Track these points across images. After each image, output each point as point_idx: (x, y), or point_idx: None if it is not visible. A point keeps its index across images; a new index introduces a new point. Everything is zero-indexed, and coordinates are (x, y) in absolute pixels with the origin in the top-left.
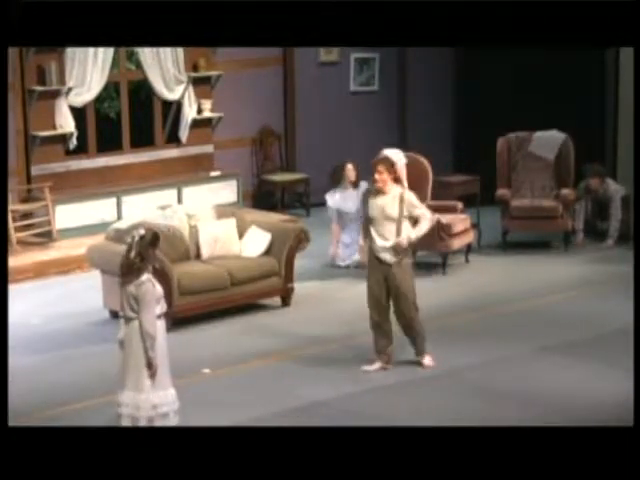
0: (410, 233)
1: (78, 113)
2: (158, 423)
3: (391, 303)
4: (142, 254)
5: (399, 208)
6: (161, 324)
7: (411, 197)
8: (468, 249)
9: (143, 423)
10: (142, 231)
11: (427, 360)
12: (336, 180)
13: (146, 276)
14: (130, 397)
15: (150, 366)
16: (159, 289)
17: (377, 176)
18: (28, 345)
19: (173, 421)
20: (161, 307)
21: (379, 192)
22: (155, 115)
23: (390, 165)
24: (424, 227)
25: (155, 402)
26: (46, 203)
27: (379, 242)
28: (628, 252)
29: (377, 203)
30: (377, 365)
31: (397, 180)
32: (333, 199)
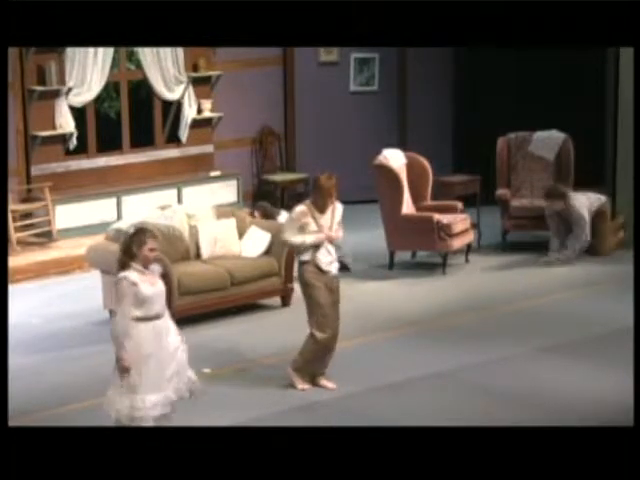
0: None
1: (78, 113)
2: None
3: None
4: (125, 250)
5: (333, 219)
6: (148, 327)
7: (340, 209)
8: (468, 249)
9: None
10: (132, 229)
11: (330, 384)
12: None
13: (124, 274)
14: (128, 399)
15: (119, 367)
16: (144, 292)
17: (334, 192)
18: (28, 345)
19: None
20: (145, 310)
21: (326, 208)
22: (155, 115)
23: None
24: (340, 233)
25: (131, 405)
26: (46, 203)
27: (326, 256)
28: (628, 252)
29: (324, 219)
30: (307, 383)
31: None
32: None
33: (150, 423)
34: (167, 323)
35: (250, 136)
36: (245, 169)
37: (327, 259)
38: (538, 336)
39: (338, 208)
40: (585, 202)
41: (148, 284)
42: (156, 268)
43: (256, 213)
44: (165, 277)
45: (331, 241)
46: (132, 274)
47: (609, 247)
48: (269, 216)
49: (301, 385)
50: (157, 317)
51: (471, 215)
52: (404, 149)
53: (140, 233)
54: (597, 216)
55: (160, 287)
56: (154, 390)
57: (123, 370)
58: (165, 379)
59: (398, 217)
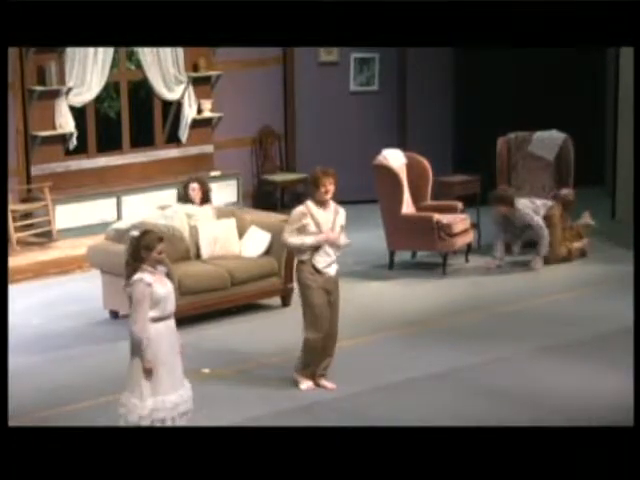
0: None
1: (78, 113)
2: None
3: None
4: (134, 255)
5: (335, 222)
6: (162, 327)
7: (343, 214)
8: (468, 249)
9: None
10: (136, 232)
11: (330, 384)
12: (181, 199)
13: (138, 276)
14: (151, 402)
15: (145, 370)
16: (159, 292)
17: (330, 187)
18: (28, 345)
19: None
20: (161, 310)
21: (322, 205)
22: (155, 115)
23: (336, 178)
24: (344, 241)
25: (153, 407)
26: (46, 203)
27: (324, 257)
28: (628, 252)
29: (322, 217)
30: (310, 382)
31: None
32: None
33: (169, 423)
34: (173, 322)
35: (250, 136)
36: (245, 169)
37: (325, 260)
38: (538, 336)
39: (341, 213)
40: (530, 206)
41: (160, 284)
42: (162, 269)
43: (195, 186)
44: (166, 277)
45: (331, 243)
46: (146, 275)
47: (559, 254)
48: (208, 190)
49: (303, 385)
50: (170, 316)
51: (471, 215)
52: (404, 149)
53: (147, 237)
54: (546, 221)
55: (170, 286)
56: (172, 390)
57: (148, 373)
58: (178, 377)
59: (398, 217)
